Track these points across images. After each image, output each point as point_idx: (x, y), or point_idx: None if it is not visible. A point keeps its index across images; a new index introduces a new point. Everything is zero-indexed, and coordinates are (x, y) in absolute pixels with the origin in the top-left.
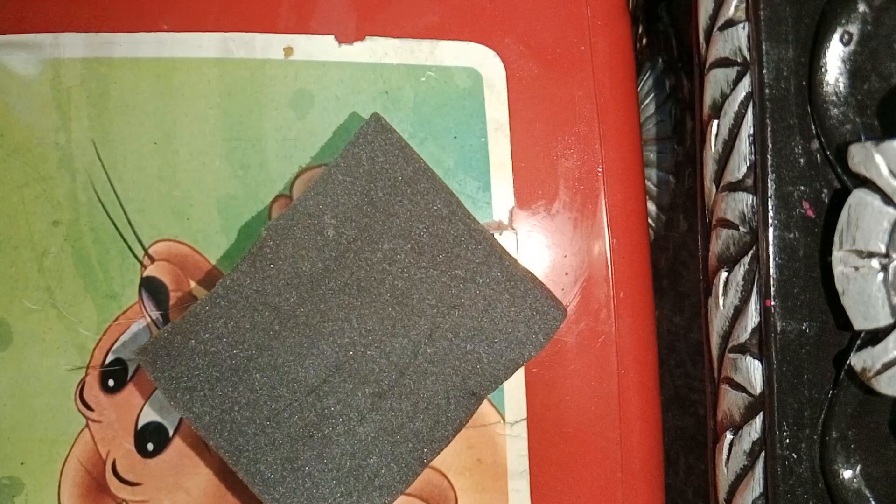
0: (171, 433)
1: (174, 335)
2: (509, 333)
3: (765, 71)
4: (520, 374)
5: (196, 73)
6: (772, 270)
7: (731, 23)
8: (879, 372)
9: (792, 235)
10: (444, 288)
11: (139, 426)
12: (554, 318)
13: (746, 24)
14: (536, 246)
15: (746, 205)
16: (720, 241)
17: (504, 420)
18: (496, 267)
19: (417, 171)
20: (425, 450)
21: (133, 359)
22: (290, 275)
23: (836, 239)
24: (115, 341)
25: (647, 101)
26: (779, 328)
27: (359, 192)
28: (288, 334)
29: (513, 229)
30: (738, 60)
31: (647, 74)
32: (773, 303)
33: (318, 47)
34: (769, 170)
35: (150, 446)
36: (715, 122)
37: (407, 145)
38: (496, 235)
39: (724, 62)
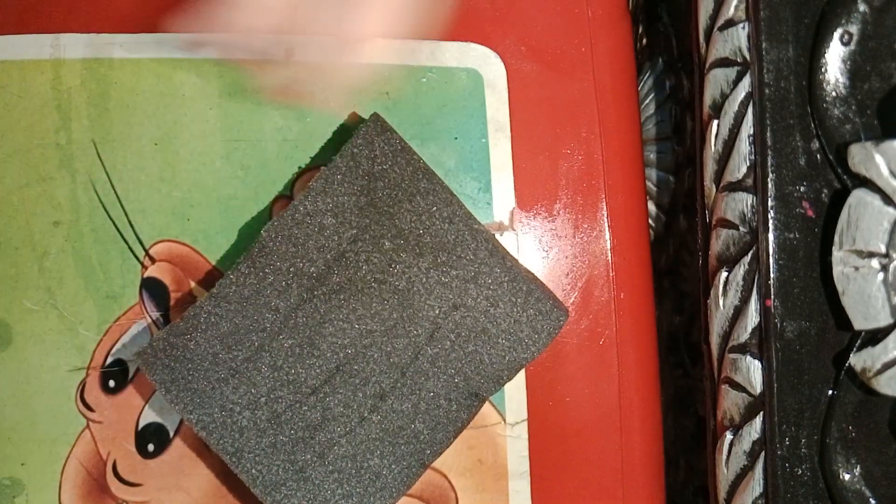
0: (171, 434)
1: (173, 337)
2: (512, 334)
3: (765, 71)
4: (520, 375)
5: (197, 73)
6: (772, 270)
7: (731, 23)
8: (879, 372)
9: (792, 235)
10: (445, 288)
11: (140, 427)
12: (557, 319)
13: (746, 24)
14: (537, 247)
15: (746, 205)
16: (720, 240)
17: (505, 421)
18: (498, 267)
19: (418, 171)
20: (427, 451)
21: (133, 360)
22: (290, 275)
23: (836, 239)
24: (116, 342)
25: (647, 101)
26: (779, 328)
27: (359, 193)
28: (288, 335)
29: (513, 230)
30: (738, 60)
31: (647, 74)
32: (773, 303)
33: (319, 48)
34: (769, 170)
35: (150, 447)
36: (715, 122)
37: (407, 145)
38: (497, 236)
39: (724, 62)
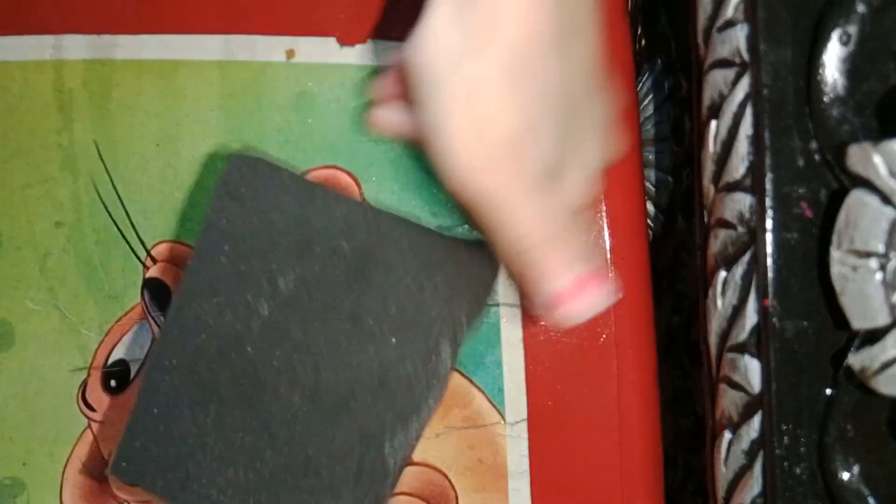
0: None
1: (138, 437)
2: (460, 274)
3: (763, 72)
4: (520, 375)
5: (198, 75)
6: (770, 270)
7: (729, 24)
8: (877, 371)
9: (790, 235)
10: (379, 289)
11: None
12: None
13: (745, 24)
14: None
15: (745, 205)
16: (718, 241)
17: (504, 420)
18: (420, 236)
19: (302, 189)
20: (423, 406)
21: (134, 360)
22: (210, 355)
23: (835, 239)
24: (118, 342)
25: (645, 101)
26: (777, 328)
27: (257, 246)
28: (236, 404)
29: None
30: (737, 61)
31: (646, 75)
32: (771, 302)
33: (320, 49)
34: (767, 170)
35: None
36: (713, 123)
37: (279, 168)
38: None
39: (722, 63)
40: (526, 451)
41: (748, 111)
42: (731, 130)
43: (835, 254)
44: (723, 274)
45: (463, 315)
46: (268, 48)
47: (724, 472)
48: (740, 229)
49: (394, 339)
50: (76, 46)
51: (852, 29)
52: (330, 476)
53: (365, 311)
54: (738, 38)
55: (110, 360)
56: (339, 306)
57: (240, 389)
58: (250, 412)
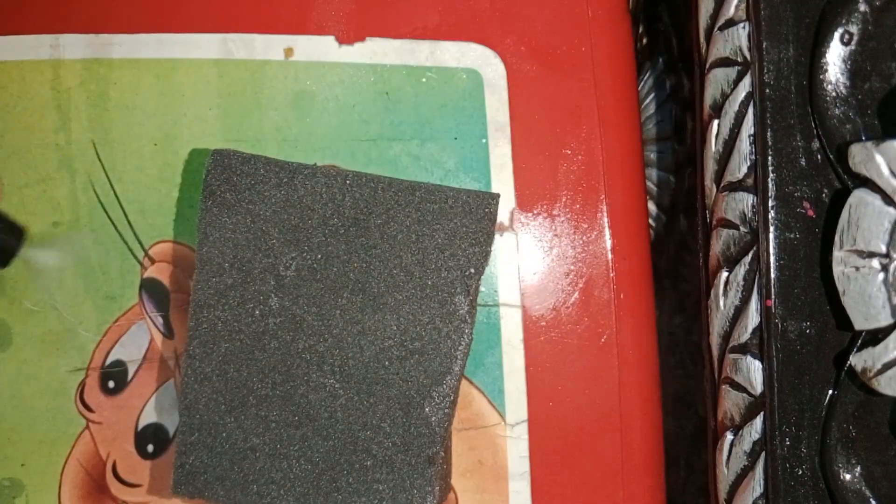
0: (171, 434)
1: (190, 453)
2: (457, 223)
3: (765, 71)
4: (521, 376)
5: (196, 73)
6: (772, 270)
7: (731, 22)
8: (880, 372)
9: (792, 235)
10: (379, 255)
11: (139, 427)
12: (485, 197)
13: (747, 23)
14: (537, 247)
15: (747, 205)
16: (721, 240)
17: (505, 422)
18: (407, 192)
19: (280, 174)
20: (454, 368)
21: (132, 361)
22: (236, 359)
23: (837, 239)
24: (115, 343)
25: (647, 100)
26: (779, 328)
27: (253, 244)
28: (274, 400)
29: (513, 230)
30: (739, 60)
31: (648, 74)
32: (773, 303)
33: (319, 48)
34: (769, 170)
35: (150, 448)
36: (715, 122)
37: (252, 158)
38: (497, 237)
39: (724, 62)
40: (526, 453)
41: (750, 110)
42: (733, 130)
43: (837, 254)
44: (725, 274)
45: (469, 262)
46: (266, 46)
47: (725, 474)
48: (742, 229)
49: (406, 301)
50: (74, 46)
51: (854, 28)
52: (380, 449)
53: (371, 280)
54: (739, 36)
55: (108, 361)
56: (345, 282)
57: (273, 385)
58: (289, 404)
